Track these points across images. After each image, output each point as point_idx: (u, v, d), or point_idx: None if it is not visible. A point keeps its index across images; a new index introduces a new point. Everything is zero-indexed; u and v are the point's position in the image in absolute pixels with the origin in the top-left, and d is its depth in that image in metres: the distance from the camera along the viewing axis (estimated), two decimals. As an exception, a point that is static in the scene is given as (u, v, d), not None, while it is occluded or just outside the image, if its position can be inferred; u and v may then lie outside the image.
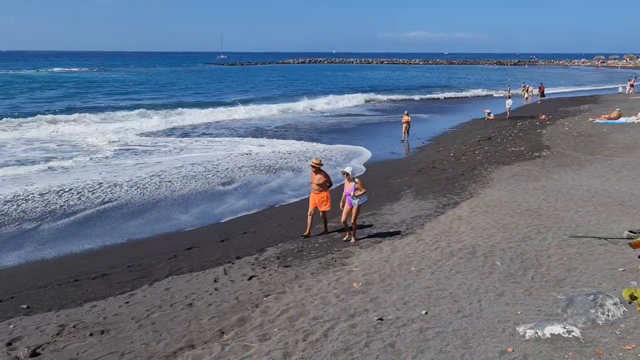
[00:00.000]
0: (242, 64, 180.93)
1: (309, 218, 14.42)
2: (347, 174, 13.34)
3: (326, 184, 14.12)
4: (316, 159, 14.43)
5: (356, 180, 13.31)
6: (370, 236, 13.81)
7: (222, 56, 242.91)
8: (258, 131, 37.22)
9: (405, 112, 32.70)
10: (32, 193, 18.89)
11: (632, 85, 62.82)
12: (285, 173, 23.09)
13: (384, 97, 64.88)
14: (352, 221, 13.51)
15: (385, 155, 27.35)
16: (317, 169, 14.14)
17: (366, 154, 27.71)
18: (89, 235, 15.02)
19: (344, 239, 13.78)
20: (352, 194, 13.16)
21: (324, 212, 14.30)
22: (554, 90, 74.47)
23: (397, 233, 13.72)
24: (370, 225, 14.83)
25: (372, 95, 65.63)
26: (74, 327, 9.11)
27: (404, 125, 31.77)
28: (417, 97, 66.89)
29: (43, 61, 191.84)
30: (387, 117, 44.80)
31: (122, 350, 8.07)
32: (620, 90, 64.40)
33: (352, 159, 26.39)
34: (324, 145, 30.57)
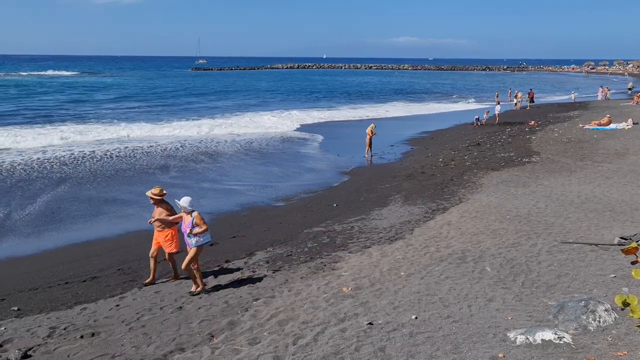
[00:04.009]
0: (231, 69, 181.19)
1: (152, 261, 11.54)
2: (183, 207, 10.58)
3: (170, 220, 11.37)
4: (156, 188, 11.54)
5: (194, 214, 10.53)
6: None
7: (201, 60, 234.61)
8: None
9: (373, 124, 29.34)
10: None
11: (605, 92, 64.12)
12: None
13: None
14: (182, 265, 10.56)
15: (376, 159, 27.34)
16: (158, 201, 11.41)
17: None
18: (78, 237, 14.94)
19: (191, 290, 10.81)
20: (188, 230, 10.47)
21: (170, 254, 11.52)
22: (544, 97, 74.66)
23: (386, 238, 13.70)
24: (361, 232, 14.81)
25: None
26: (64, 329, 9.07)
27: (368, 137, 28.26)
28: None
29: (30, 65, 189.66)
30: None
31: (112, 352, 8.04)
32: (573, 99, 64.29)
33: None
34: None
